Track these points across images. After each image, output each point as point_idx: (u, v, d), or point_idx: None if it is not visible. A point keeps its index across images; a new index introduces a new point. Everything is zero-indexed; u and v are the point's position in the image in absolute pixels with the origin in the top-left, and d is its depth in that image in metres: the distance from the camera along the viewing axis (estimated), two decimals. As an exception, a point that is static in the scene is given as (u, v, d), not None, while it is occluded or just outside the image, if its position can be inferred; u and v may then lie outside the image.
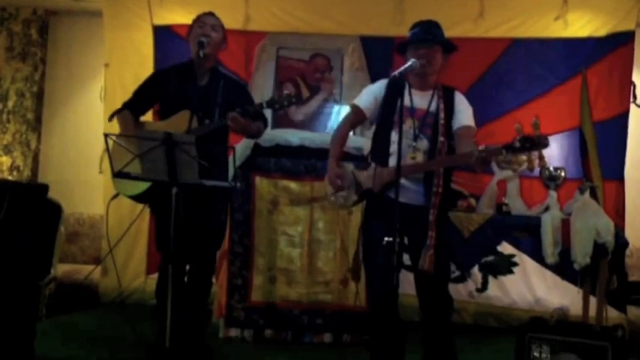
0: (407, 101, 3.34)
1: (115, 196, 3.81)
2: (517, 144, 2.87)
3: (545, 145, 2.91)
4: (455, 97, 3.38)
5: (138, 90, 4.00)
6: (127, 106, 3.94)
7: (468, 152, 3.07)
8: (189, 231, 3.61)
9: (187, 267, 3.85)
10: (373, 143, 3.46)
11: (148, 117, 4.18)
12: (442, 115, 3.29)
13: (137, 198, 3.81)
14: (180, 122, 3.69)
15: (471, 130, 3.33)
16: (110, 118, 3.98)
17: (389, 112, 3.32)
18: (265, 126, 3.99)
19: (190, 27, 3.93)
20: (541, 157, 4.54)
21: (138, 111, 3.96)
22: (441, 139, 3.25)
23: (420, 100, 3.35)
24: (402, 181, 3.19)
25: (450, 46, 3.39)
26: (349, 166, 3.45)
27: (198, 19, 3.91)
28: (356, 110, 3.50)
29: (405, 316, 3.46)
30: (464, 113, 3.34)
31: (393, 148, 3.25)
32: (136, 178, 3.34)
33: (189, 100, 3.71)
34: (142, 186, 3.66)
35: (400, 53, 3.42)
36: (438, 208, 3.19)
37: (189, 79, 3.83)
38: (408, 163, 3.23)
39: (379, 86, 3.43)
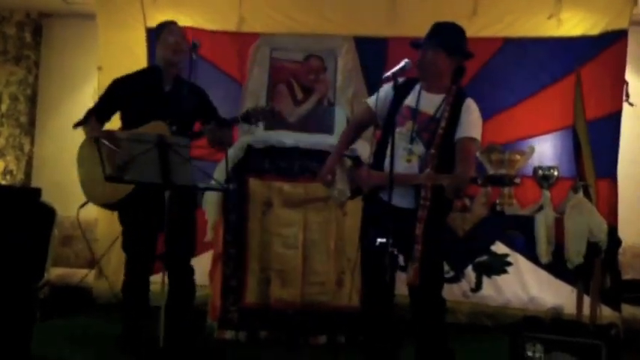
0: (412, 103, 3.33)
1: (84, 204, 3.84)
2: (479, 181, 2.91)
3: (510, 184, 2.93)
4: (462, 105, 3.26)
5: (101, 97, 4.04)
6: (91, 113, 3.97)
7: (440, 176, 3.07)
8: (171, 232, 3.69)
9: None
10: (377, 143, 3.47)
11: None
12: (443, 123, 3.22)
13: (108, 206, 3.91)
14: (155, 130, 3.71)
15: (467, 142, 3.21)
16: (76, 126, 3.99)
17: (393, 112, 3.31)
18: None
19: (157, 34, 3.98)
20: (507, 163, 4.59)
21: (102, 117, 3.99)
22: (432, 151, 3.18)
23: (428, 103, 3.30)
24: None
25: (453, 50, 3.32)
26: (347, 163, 3.48)
27: (168, 27, 3.97)
28: (366, 107, 3.53)
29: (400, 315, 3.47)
30: (466, 124, 3.23)
31: (389, 149, 3.26)
32: (128, 181, 3.35)
33: (156, 106, 3.78)
34: (116, 194, 3.70)
35: (416, 49, 3.37)
36: (425, 222, 3.13)
37: (154, 86, 3.90)
38: (398, 171, 3.21)
39: (391, 85, 3.35)
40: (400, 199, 3.20)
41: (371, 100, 3.49)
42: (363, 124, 3.60)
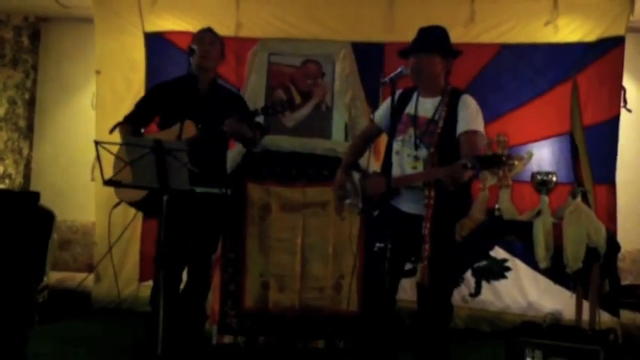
0: (411, 110, 3.36)
1: (117, 204, 3.81)
2: (469, 165, 2.89)
3: (503, 163, 2.89)
4: (458, 102, 3.29)
5: (138, 102, 4.08)
6: (127, 119, 3.99)
7: (435, 170, 3.10)
8: (187, 235, 3.66)
9: (184, 273, 3.90)
10: (385, 153, 3.51)
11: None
12: (441, 123, 3.25)
13: (137, 204, 3.83)
14: (174, 132, 3.73)
15: (470, 135, 3.22)
16: (111, 131, 3.95)
17: (394, 121, 3.34)
18: (263, 135, 4.06)
19: (191, 42, 4.00)
20: (504, 176, 4.58)
21: (139, 123, 4.01)
22: (431, 150, 3.21)
23: (425, 107, 3.34)
24: (404, 190, 3.23)
25: (448, 52, 3.37)
26: (356, 176, 3.50)
27: (197, 35, 4.00)
28: (371, 121, 3.65)
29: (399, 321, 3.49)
30: (464, 118, 3.25)
31: (394, 157, 3.31)
32: (126, 185, 3.35)
33: (191, 111, 3.79)
34: (142, 193, 3.68)
35: (403, 58, 3.41)
36: (431, 221, 3.15)
37: (190, 92, 3.91)
38: (402, 174, 3.26)
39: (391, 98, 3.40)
40: (410, 206, 3.24)
41: (376, 113, 3.60)
42: (369, 137, 3.69)
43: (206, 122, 3.76)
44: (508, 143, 4.63)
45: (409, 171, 3.27)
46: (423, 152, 3.26)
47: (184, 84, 3.96)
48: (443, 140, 3.22)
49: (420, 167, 3.25)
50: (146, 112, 4.04)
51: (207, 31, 4.01)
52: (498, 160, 2.86)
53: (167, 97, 3.95)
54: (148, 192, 3.63)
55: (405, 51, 3.38)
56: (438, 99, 3.33)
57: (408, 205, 3.27)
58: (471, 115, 3.26)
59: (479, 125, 3.27)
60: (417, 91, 3.41)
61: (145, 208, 3.91)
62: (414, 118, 3.32)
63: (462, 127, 3.24)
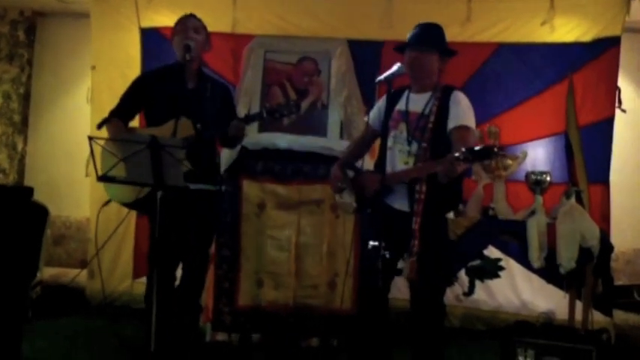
0: (402, 106, 3.37)
1: (107, 202, 3.76)
2: (461, 157, 2.88)
3: (496, 155, 2.88)
4: (450, 97, 3.30)
5: (124, 95, 3.93)
6: (114, 113, 3.86)
7: (430, 164, 3.11)
8: (181, 232, 3.65)
9: (178, 271, 3.87)
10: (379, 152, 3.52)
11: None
12: (432, 118, 3.26)
13: (130, 205, 3.76)
14: (169, 128, 3.68)
15: (461, 130, 3.23)
16: (99, 127, 3.84)
17: (386, 119, 3.34)
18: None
19: (173, 30, 3.90)
20: (500, 167, 4.57)
21: (126, 117, 3.89)
22: (424, 144, 3.22)
23: (416, 103, 3.35)
24: (396, 187, 3.23)
25: (446, 51, 3.39)
26: (350, 174, 3.50)
27: (180, 22, 3.87)
28: (367, 124, 3.64)
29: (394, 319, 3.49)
30: (456, 114, 3.26)
31: (387, 154, 3.33)
32: (120, 181, 3.33)
33: (179, 103, 3.67)
34: (136, 193, 3.61)
35: (399, 53, 3.42)
36: (421, 216, 3.15)
37: (177, 82, 3.77)
38: (393, 171, 3.26)
39: (384, 97, 3.40)
40: (403, 203, 3.24)
41: (370, 116, 3.60)
42: (366, 140, 3.69)
43: (196, 117, 3.67)
44: (500, 134, 4.65)
45: (401, 167, 3.27)
46: (415, 147, 3.27)
47: (170, 75, 3.82)
48: (435, 135, 3.23)
49: (412, 162, 3.26)
50: (133, 105, 3.91)
51: (191, 18, 3.88)
52: (490, 152, 2.85)
53: (154, 90, 3.82)
54: (142, 193, 3.58)
55: (403, 45, 3.38)
56: (429, 94, 3.34)
57: (400, 202, 3.27)
58: (462, 111, 3.28)
59: (470, 121, 3.28)
60: (408, 89, 3.43)
61: (139, 208, 3.88)
62: (405, 114, 3.34)
63: (454, 122, 3.25)
